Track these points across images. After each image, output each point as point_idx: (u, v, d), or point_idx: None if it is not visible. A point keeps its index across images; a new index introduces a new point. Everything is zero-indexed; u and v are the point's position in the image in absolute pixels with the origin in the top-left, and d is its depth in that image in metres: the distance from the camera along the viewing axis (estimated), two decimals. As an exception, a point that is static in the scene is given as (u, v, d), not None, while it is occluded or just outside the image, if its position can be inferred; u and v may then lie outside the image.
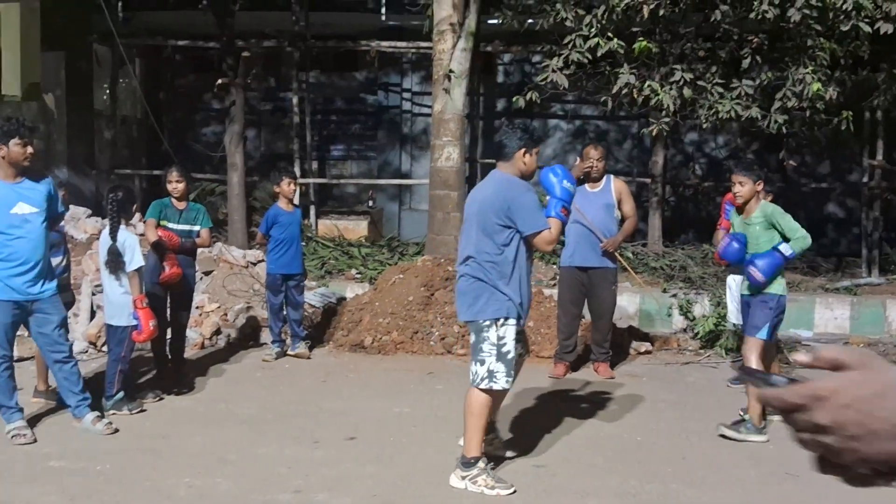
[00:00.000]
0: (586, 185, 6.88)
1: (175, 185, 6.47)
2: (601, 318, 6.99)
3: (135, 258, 5.58)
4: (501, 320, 4.45)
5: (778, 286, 5.40)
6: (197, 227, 6.52)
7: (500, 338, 4.46)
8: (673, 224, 11.52)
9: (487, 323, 4.46)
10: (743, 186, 5.46)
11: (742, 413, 5.50)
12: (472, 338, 4.58)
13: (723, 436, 5.34)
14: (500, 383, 4.48)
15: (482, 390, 4.50)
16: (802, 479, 4.76)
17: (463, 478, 4.46)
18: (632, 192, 7.36)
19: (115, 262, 5.57)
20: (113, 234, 5.59)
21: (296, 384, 6.65)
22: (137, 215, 8.78)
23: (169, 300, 6.47)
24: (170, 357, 6.57)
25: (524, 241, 4.51)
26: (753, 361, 5.22)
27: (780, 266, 5.36)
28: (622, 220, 6.93)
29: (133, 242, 5.61)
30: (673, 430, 5.56)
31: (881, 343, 8.37)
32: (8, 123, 5.03)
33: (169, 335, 6.56)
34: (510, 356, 4.49)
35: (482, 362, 4.48)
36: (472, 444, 4.48)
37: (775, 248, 5.35)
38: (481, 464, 4.47)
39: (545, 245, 4.60)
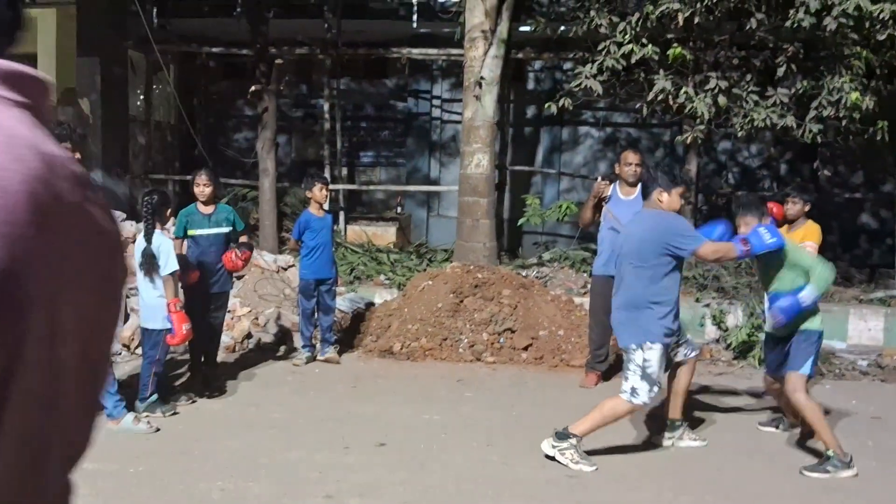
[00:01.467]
0: (620, 193, 6.82)
1: (202, 188, 6.49)
2: None
3: (169, 262, 5.63)
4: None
5: (817, 321, 5.19)
6: (227, 229, 6.55)
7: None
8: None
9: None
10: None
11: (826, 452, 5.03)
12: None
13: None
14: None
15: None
16: (841, 494, 4.69)
17: (553, 447, 4.98)
18: None
19: (150, 265, 5.62)
20: (148, 237, 5.64)
21: (326, 389, 6.66)
22: (172, 220, 8.92)
23: (204, 302, 6.54)
24: (203, 359, 6.61)
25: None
26: (803, 397, 4.98)
27: (801, 310, 5.09)
28: None
29: (168, 247, 5.66)
30: (707, 442, 5.49)
31: (917, 356, 8.22)
32: (59, 128, 5.06)
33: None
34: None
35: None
36: (583, 426, 4.99)
37: (796, 294, 5.06)
38: (574, 440, 4.95)
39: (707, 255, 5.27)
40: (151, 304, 5.71)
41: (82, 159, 5.27)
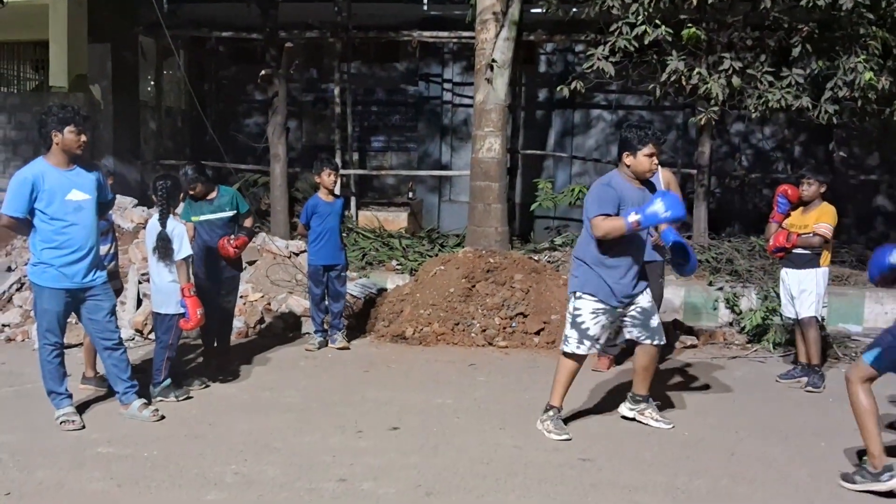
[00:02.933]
0: None
1: (195, 189, 6.41)
2: None
3: (183, 247, 5.62)
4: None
5: None
6: (230, 213, 6.52)
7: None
8: (719, 216, 11.33)
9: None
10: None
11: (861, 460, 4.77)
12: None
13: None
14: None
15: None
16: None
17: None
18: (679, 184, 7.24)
19: (165, 248, 5.61)
20: (162, 221, 5.63)
21: (339, 374, 6.67)
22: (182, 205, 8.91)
23: (215, 287, 6.54)
24: (216, 343, 6.62)
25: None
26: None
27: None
28: None
29: (182, 231, 5.64)
30: (721, 426, 5.46)
31: (934, 339, 8.13)
32: (63, 111, 5.05)
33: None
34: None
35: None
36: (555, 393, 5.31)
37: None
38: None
39: (594, 231, 5.06)
40: (164, 289, 5.70)
41: (90, 143, 5.25)
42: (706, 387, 6.44)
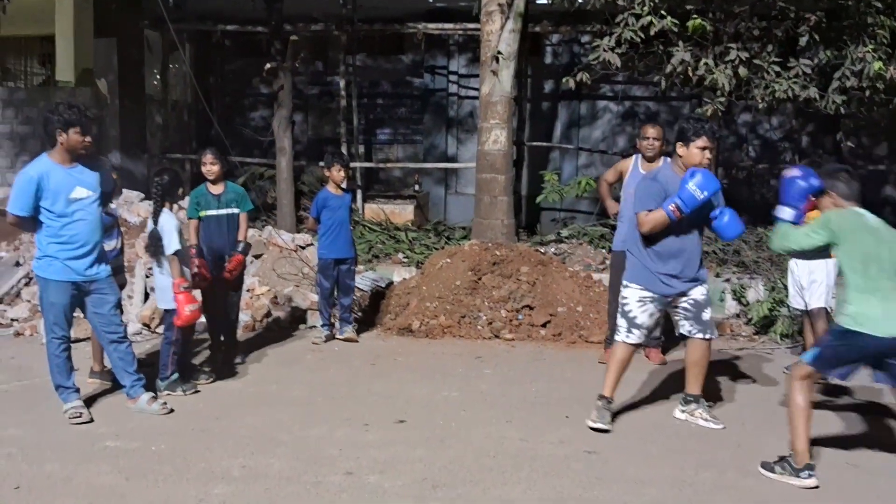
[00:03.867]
0: (640, 167, 6.75)
1: (209, 167, 6.49)
2: None
3: (171, 242, 5.59)
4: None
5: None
6: (237, 210, 6.54)
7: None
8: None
9: None
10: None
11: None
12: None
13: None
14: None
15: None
16: (863, 469, 4.65)
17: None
18: None
19: (155, 246, 5.62)
20: (155, 217, 5.65)
21: (345, 367, 6.68)
22: (187, 199, 8.92)
23: (219, 283, 6.56)
24: (222, 338, 6.64)
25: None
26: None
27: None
28: None
29: (171, 226, 5.61)
30: (727, 418, 5.44)
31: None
32: (70, 112, 5.06)
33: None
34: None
35: None
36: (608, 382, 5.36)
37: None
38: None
39: (640, 228, 5.18)
40: (161, 285, 5.72)
41: (95, 141, 5.27)
42: (712, 379, 6.42)
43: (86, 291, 5.23)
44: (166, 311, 5.77)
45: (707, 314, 5.27)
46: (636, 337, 5.21)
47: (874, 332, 4.24)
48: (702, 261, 5.30)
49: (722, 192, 5.28)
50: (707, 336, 5.27)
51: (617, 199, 7.00)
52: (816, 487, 4.36)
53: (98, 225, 5.25)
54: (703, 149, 5.09)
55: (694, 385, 5.37)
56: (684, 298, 5.21)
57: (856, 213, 4.46)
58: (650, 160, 6.68)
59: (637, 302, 5.18)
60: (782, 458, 4.50)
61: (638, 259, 5.22)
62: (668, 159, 5.72)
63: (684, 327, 5.29)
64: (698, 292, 5.22)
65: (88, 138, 5.16)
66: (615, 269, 6.87)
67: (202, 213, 6.49)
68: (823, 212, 4.55)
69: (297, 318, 8.01)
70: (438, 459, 4.67)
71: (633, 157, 6.90)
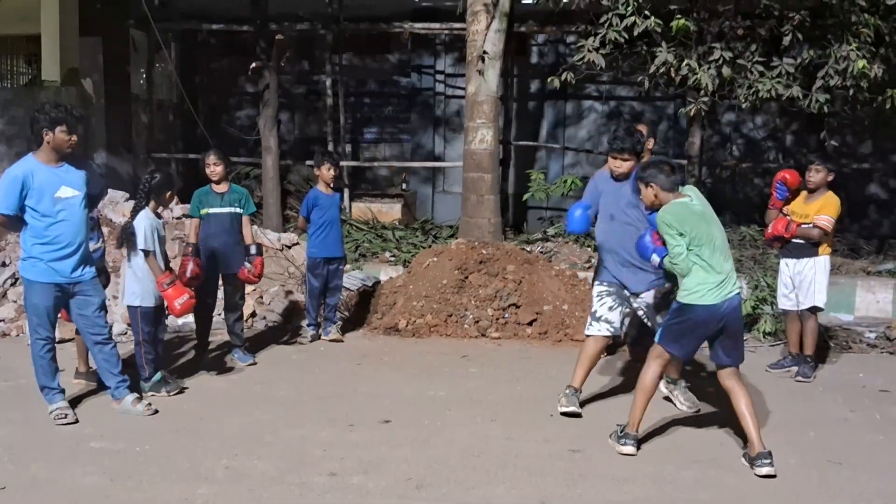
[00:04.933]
0: None
1: (213, 167, 6.56)
2: None
3: (141, 240, 5.59)
4: None
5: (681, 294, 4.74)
6: (239, 210, 6.60)
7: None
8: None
9: None
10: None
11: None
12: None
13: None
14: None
15: None
16: (844, 466, 4.69)
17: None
18: None
19: (128, 241, 5.63)
20: (134, 212, 5.66)
21: (331, 367, 6.68)
22: (176, 201, 8.91)
23: (214, 283, 6.59)
24: (229, 335, 6.74)
25: None
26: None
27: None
28: None
29: (145, 224, 5.61)
30: (710, 416, 5.49)
31: (925, 327, 8.17)
32: (56, 110, 5.06)
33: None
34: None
35: None
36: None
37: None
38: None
39: None
40: (127, 282, 5.73)
41: (81, 141, 5.26)
42: (695, 377, 6.46)
43: (70, 293, 5.22)
44: (129, 307, 5.75)
45: (661, 318, 5.34)
46: (596, 329, 5.44)
47: (707, 302, 4.54)
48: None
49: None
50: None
51: None
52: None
53: (83, 226, 5.24)
54: (615, 158, 5.38)
55: (671, 371, 5.62)
56: (639, 299, 5.43)
57: (681, 204, 4.66)
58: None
59: (596, 296, 5.51)
60: (620, 427, 4.90)
61: (599, 253, 5.67)
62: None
63: (650, 325, 5.52)
64: (650, 295, 5.39)
65: (74, 137, 5.15)
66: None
67: (204, 211, 6.54)
68: (663, 207, 4.71)
69: (284, 318, 8.01)
70: (423, 459, 4.69)
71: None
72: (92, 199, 5.44)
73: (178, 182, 6.01)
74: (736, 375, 4.72)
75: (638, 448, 4.82)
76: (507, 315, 7.74)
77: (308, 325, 7.48)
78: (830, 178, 6.39)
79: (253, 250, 6.59)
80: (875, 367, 6.97)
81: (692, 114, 8.75)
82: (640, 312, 5.51)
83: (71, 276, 5.17)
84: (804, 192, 6.48)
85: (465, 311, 7.78)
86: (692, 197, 4.73)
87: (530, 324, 7.67)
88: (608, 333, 5.45)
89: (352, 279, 8.66)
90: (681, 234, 4.59)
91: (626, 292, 5.44)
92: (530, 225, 12.50)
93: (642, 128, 6.78)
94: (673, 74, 8.30)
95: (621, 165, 5.37)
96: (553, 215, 12.62)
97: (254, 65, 10.92)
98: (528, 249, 9.32)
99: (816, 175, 6.37)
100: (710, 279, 4.57)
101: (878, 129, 10.51)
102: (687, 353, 4.86)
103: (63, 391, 5.35)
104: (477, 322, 7.70)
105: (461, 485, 4.35)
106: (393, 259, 10.06)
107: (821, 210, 6.32)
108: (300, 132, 13.93)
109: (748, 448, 4.63)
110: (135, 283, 5.67)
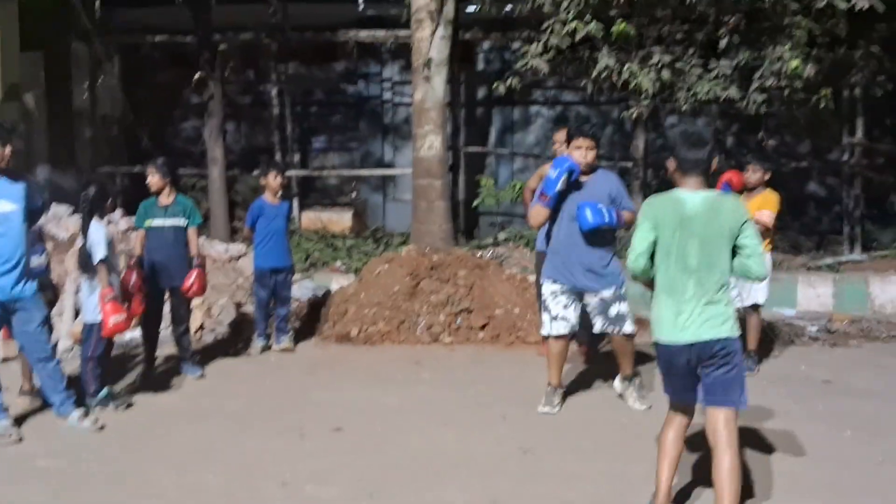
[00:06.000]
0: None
1: (149, 179, 6.51)
2: None
3: (98, 251, 5.49)
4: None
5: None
6: (183, 222, 6.52)
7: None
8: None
9: None
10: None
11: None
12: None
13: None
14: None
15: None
16: (785, 456, 4.81)
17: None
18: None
19: (86, 261, 5.53)
20: (84, 231, 5.56)
21: (282, 377, 6.64)
22: (120, 212, 8.79)
23: (160, 295, 6.51)
24: (177, 348, 6.65)
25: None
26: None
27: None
28: None
29: (99, 236, 5.52)
30: (658, 411, 5.54)
31: (864, 320, 8.41)
32: None
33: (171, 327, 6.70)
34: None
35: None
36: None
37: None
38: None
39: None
40: (89, 300, 5.61)
41: (13, 154, 5.18)
42: (646, 375, 6.56)
43: (11, 310, 5.12)
44: (86, 324, 5.66)
45: (615, 310, 5.53)
46: (556, 329, 5.56)
47: (663, 338, 3.78)
48: (611, 262, 5.55)
49: (624, 189, 5.71)
50: (617, 330, 5.56)
51: None
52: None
53: (22, 240, 5.13)
54: (578, 147, 5.52)
55: (624, 368, 5.77)
56: (594, 297, 5.52)
57: (672, 197, 3.87)
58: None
59: (550, 294, 5.58)
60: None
61: (548, 254, 5.68)
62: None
63: (596, 324, 5.63)
64: (607, 292, 5.51)
65: (9, 149, 5.07)
66: (538, 269, 7.07)
67: (147, 224, 6.46)
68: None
69: (233, 329, 7.93)
70: (375, 466, 4.69)
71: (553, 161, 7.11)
72: (33, 214, 5.34)
73: (114, 188, 5.91)
74: (728, 420, 3.72)
75: None
76: (459, 320, 7.78)
77: (257, 336, 7.42)
78: (767, 176, 6.64)
79: (194, 262, 6.51)
80: (817, 359, 7.16)
81: (634, 117, 8.90)
82: (591, 310, 5.59)
83: (11, 293, 5.06)
84: (745, 193, 6.66)
85: (418, 317, 7.80)
86: (703, 200, 3.76)
87: (482, 328, 7.72)
88: (566, 331, 5.56)
89: (302, 289, 8.62)
90: (652, 229, 3.82)
91: (577, 290, 5.53)
92: (482, 231, 12.57)
93: (563, 132, 7.01)
94: (615, 79, 8.45)
95: (587, 155, 5.47)
96: (504, 220, 12.71)
97: (198, 76, 10.83)
98: (480, 255, 9.38)
99: (754, 175, 6.61)
100: (667, 308, 3.74)
101: (814, 129, 10.79)
102: (676, 395, 3.92)
103: (7, 409, 5.23)
104: (429, 328, 7.72)
105: (413, 489, 4.36)
106: (344, 268, 10.04)
107: (762, 206, 6.53)
108: (247, 142, 13.82)
109: None
110: (99, 298, 5.56)
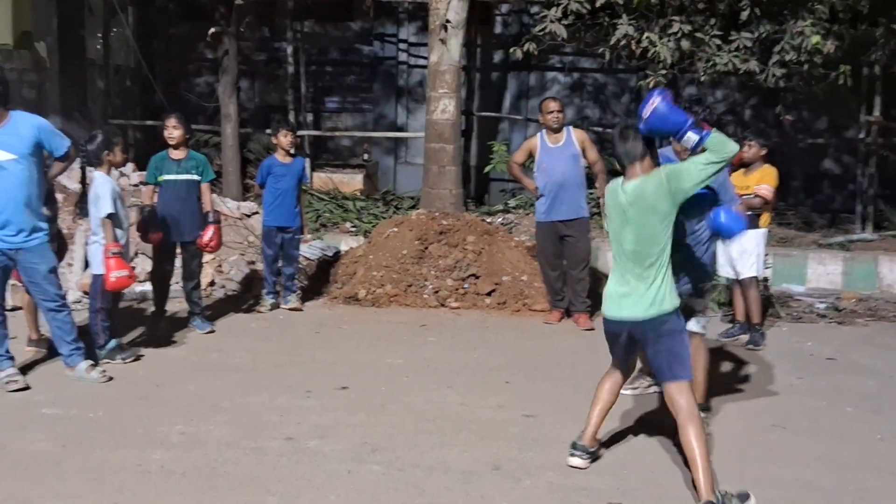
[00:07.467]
0: (548, 140, 7.13)
1: (171, 131, 6.48)
2: (577, 266, 7.12)
3: (104, 205, 5.48)
4: None
5: None
6: (196, 177, 6.52)
7: None
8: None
9: None
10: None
11: None
12: None
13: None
14: None
15: None
16: (788, 430, 4.82)
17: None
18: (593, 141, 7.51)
19: (84, 210, 5.56)
20: (83, 181, 5.58)
21: (289, 335, 6.68)
22: (132, 165, 8.78)
23: (180, 248, 6.53)
24: (189, 308, 6.67)
25: None
26: None
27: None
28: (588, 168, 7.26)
29: (105, 189, 5.50)
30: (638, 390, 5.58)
31: (872, 298, 8.40)
32: None
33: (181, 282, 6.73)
34: None
35: None
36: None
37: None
38: None
39: None
40: (96, 251, 5.63)
41: (36, 101, 5.17)
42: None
43: (16, 260, 5.13)
44: (95, 276, 5.68)
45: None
46: None
47: (604, 312, 4.08)
48: None
49: None
50: None
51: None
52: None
53: (20, 191, 5.07)
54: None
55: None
56: None
57: (611, 187, 4.09)
58: (556, 131, 7.07)
59: None
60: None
61: None
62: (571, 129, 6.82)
63: None
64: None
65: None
66: (544, 240, 7.23)
67: (161, 178, 6.47)
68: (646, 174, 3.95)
69: (243, 286, 7.97)
70: (379, 424, 4.73)
71: (538, 134, 7.14)
72: (59, 158, 5.34)
73: (118, 135, 5.81)
74: (679, 392, 3.87)
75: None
76: (466, 285, 7.79)
77: (266, 294, 7.45)
78: (763, 152, 6.67)
79: (210, 217, 6.53)
80: (824, 336, 7.15)
81: (651, 86, 8.79)
82: None
83: (11, 243, 5.07)
84: (742, 168, 6.69)
85: (425, 281, 7.81)
86: (633, 188, 3.90)
87: (489, 294, 7.72)
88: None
89: (312, 249, 8.63)
90: (608, 216, 4.12)
91: None
92: (492, 196, 12.52)
93: (556, 102, 7.13)
94: (634, 47, 8.34)
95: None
96: (514, 187, 12.66)
97: (213, 30, 10.73)
98: (489, 221, 9.35)
99: (750, 150, 6.63)
100: (612, 286, 4.02)
101: (832, 105, 10.66)
102: (616, 358, 4.23)
103: (13, 358, 5.29)
104: (436, 292, 7.73)
105: (415, 449, 4.40)
106: (354, 229, 10.04)
107: (760, 180, 6.62)
108: (260, 100, 13.75)
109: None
110: (103, 252, 5.57)
